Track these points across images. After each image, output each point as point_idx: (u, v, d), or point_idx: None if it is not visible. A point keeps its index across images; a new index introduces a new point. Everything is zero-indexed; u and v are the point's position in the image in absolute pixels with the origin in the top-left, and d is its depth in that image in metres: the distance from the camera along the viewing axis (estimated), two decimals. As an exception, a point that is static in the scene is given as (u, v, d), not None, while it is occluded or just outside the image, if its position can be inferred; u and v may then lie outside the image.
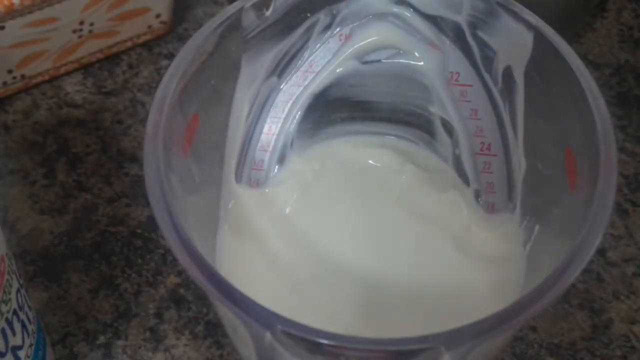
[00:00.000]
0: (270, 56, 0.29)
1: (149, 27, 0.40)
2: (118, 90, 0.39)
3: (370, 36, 0.30)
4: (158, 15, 0.39)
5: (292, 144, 0.31)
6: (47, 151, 0.37)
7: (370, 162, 0.32)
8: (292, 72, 0.30)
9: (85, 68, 0.40)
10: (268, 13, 0.27)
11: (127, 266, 0.33)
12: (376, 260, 0.29)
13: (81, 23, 0.37)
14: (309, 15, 0.28)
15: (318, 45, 0.30)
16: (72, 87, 0.39)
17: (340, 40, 0.30)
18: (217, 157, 0.29)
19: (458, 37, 0.29)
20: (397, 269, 0.29)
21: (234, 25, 0.26)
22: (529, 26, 0.26)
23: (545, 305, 0.21)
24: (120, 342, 0.31)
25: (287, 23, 0.28)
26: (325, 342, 0.20)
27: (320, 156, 0.32)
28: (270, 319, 0.20)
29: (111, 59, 0.40)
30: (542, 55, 0.26)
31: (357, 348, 0.21)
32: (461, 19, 0.28)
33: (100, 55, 0.39)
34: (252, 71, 0.28)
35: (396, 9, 0.29)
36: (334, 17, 0.29)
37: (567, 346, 0.32)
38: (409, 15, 0.29)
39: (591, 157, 0.24)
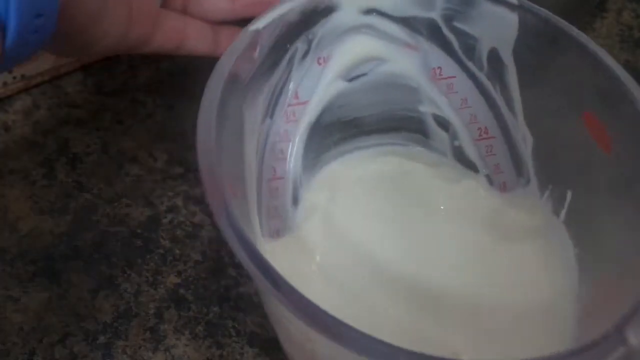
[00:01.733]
0: (262, 98, 0.28)
1: (149, 27, 0.40)
2: (118, 90, 0.39)
3: (348, 52, 0.30)
4: (158, 15, 0.39)
5: (300, 182, 0.31)
6: (47, 151, 0.37)
7: (377, 174, 0.32)
8: (282, 108, 0.30)
9: (85, 68, 0.40)
10: (256, 55, 0.27)
11: (127, 266, 0.33)
12: (423, 264, 0.29)
13: (81, 23, 0.37)
14: (288, 46, 0.29)
15: (301, 74, 0.30)
16: (72, 87, 0.39)
17: (320, 64, 0.30)
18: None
19: (433, 32, 0.29)
20: (444, 267, 0.29)
21: (234, 80, 0.26)
22: (512, 7, 0.27)
23: None
24: (120, 342, 0.31)
25: (272, 59, 0.28)
26: None
27: (327, 184, 0.32)
28: (395, 355, 0.20)
29: (111, 59, 0.40)
30: (532, 31, 0.27)
31: None
32: (435, 15, 0.29)
33: (100, 56, 0.39)
34: (252, 118, 0.28)
35: (366, 19, 0.29)
36: (310, 42, 0.29)
37: (566, 346, 0.32)
38: (380, 22, 0.30)
39: (620, 113, 0.24)
